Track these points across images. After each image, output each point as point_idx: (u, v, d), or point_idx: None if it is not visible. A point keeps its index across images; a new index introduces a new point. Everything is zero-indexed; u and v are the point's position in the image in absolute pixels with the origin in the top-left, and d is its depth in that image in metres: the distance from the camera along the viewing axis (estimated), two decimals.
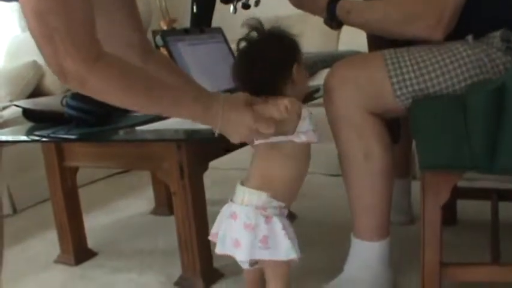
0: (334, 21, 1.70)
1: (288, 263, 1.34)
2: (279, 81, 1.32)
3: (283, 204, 1.32)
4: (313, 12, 1.75)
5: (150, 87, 1.20)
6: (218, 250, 1.35)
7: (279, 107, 1.26)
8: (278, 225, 1.27)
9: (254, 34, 1.35)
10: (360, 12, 1.66)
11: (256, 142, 1.33)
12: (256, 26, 1.34)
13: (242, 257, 1.29)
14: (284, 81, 1.32)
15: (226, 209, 1.35)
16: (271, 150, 1.32)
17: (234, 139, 1.29)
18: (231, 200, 1.34)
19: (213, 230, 1.39)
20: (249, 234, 1.26)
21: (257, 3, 1.69)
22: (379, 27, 1.64)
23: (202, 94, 1.30)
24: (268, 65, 1.31)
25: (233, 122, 1.25)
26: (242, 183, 1.34)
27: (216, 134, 1.28)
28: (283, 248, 1.28)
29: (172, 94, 1.24)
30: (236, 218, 1.29)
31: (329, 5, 1.69)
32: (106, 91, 1.15)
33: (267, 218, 1.27)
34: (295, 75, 1.32)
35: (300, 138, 1.30)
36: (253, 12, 1.64)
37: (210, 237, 1.40)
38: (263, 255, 1.28)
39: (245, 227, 1.27)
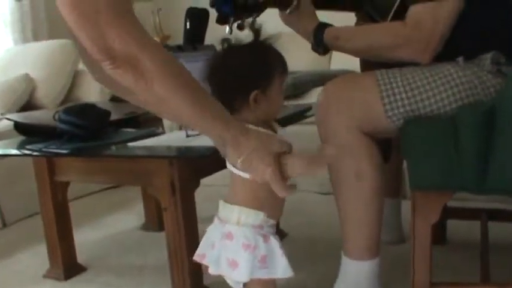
0: (321, 47, 1.71)
1: (274, 282, 1.33)
2: (235, 102, 1.25)
3: (275, 223, 1.32)
4: (301, 33, 1.77)
5: (193, 82, 1.13)
6: (212, 271, 1.30)
7: (309, 168, 1.22)
8: (276, 244, 1.26)
9: (238, 43, 1.30)
10: (348, 39, 1.69)
11: (228, 166, 1.28)
12: (253, 29, 1.30)
13: (240, 277, 1.25)
14: (240, 104, 1.25)
15: (216, 230, 1.31)
16: (253, 183, 1.26)
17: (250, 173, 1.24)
18: (221, 220, 1.30)
19: (199, 252, 1.36)
20: (248, 254, 1.23)
21: (252, 24, 1.70)
22: (368, 52, 1.67)
23: (229, 118, 1.19)
24: (223, 87, 1.25)
25: (252, 168, 1.20)
26: (230, 202, 1.30)
27: (240, 164, 1.22)
28: (281, 266, 1.26)
29: (210, 100, 1.15)
30: (232, 238, 1.25)
31: (316, 31, 1.70)
32: (159, 77, 1.06)
33: (265, 237, 1.26)
34: (253, 103, 1.24)
35: None
36: (248, 32, 1.65)
37: (196, 258, 1.36)
38: (261, 274, 1.26)
39: (244, 247, 1.23)
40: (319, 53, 1.73)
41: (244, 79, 1.25)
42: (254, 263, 1.24)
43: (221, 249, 1.29)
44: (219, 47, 1.30)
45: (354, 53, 1.74)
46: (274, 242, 1.27)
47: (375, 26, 1.71)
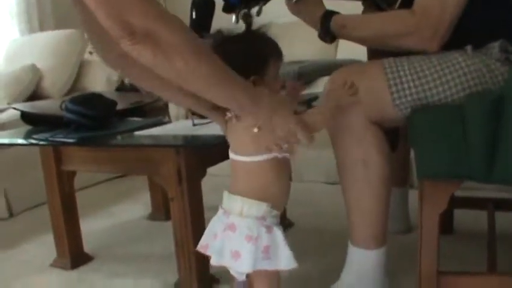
0: (328, 36, 1.71)
1: (278, 273, 1.33)
2: None
3: (278, 213, 1.31)
4: (308, 22, 1.77)
5: (211, 55, 1.13)
6: (214, 261, 1.31)
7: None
8: (279, 235, 1.26)
9: (230, 33, 1.31)
10: (355, 27, 1.68)
11: (232, 156, 1.30)
12: (244, 20, 1.31)
13: (243, 268, 1.25)
14: None
15: (219, 221, 1.32)
16: (254, 168, 1.28)
17: (269, 140, 1.25)
18: (225, 211, 1.31)
19: (203, 242, 1.36)
20: (251, 245, 1.23)
21: (259, 13, 1.69)
22: (375, 40, 1.67)
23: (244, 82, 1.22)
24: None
25: (275, 122, 1.22)
26: (233, 192, 1.30)
27: (255, 130, 1.23)
28: (284, 257, 1.26)
29: (227, 71, 1.16)
30: (235, 229, 1.26)
31: (323, 19, 1.70)
32: (179, 49, 1.06)
33: (268, 228, 1.26)
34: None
35: (282, 152, 1.28)
36: (255, 21, 1.65)
37: (200, 249, 1.36)
38: (264, 265, 1.25)
39: (247, 238, 1.24)
40: (326, 41, 1.73)
41: (241, 66, 1.24)
42: (257, 254, 1.24)
43: (224, 240, 1.29)
44: (214, 38, 1.31)
45: (360, 41, 1.74)
46: (277, 232, 1.27)
47: (382, 15, 1.70)
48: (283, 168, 1.31)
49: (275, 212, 1.29)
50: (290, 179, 1.37)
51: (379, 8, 1.80)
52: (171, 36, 1.05)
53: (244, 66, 1.25)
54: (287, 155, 1.27)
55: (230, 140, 1.31)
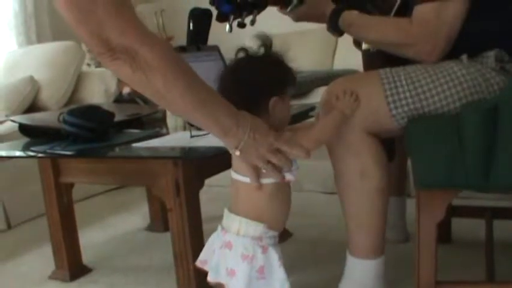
0: (336, 31, 1.74)
1: None
2: (254, 109, 1.27)
3: (276, 234, 1.32)
4: (318, 20, 1.79)
5: (192, 75, 1.15)
6: (211, 278, 1.33)
7: (297, 149, 1.27)
8: (274, 256, 1.27)
9: (252, 52, 1.33)
10: (360, 28, 1.72)
11: (233, 175, 1.32)
12: (264, 42, 1.32)
13: (237, 286, 1.27)
14: (259, 111, 1.28)
15: (218, 238, 1.33)
16: (254, 191, 1.29)
17: (252, 160, 1.25)
18: (223, 229, 1.33)
19: (202, 257, 1.38)
20: (247, 264, 1.25)
21: (253, 22, 1.70)
22: (378, 45, 1.73)
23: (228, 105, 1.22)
24: (246, 90, 1.27)
25: (257, 141, 1.22)
26: (233, 211, 1.32)
27: (237, 153, 1.23)
28: (278, 278, 1.27)
29: (208, 92, 1.17)
30: (231, 247, 1.27)
31: (332, 15, 1.72)
32: (157, 67, 1.08)
33: (264, 248, 1.27)
34: (272, 108, 1.28)
35: (286, 177, 1.29)
36: (249, 30, 1.65)
37: (199, 264, 1.39)
38: (259, 285, 1.27)
39: (243, 257, 1.25)
40: (335, 35, 1.79)
41: (265, 85, 1.28)
42: (252, 274, 1.26)
43: (220, 257, 1.31)
44: (237, 54, 1.34)
45: (365, 41, 1.78)
46: (272, 253, 1.28)
47: (386, 21, 1.70)
48: (282, 192, 1.32)
49: (272, 233, 1.30)
50: (290, 204, 1.37)
51: None
52: (150, 55, 1.07)
53: (268, 85, 1.29)
54: (285, 178, 1.29)
55: (233, 158, 1.31)
